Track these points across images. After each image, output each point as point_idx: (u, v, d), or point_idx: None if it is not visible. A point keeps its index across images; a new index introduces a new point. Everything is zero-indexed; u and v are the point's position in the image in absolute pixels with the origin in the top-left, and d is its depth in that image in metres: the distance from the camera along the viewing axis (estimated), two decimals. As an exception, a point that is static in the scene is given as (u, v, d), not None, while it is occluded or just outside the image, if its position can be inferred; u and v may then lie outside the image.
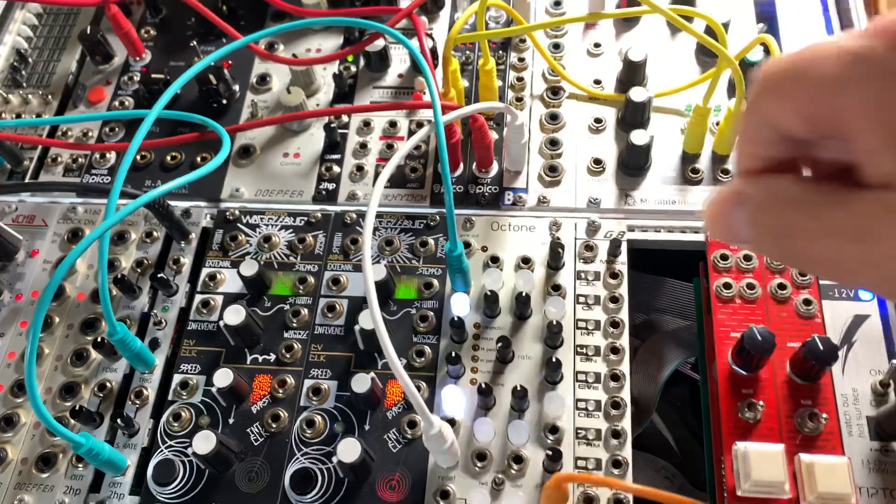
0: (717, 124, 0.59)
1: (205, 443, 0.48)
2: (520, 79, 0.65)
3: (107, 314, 0.49)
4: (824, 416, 0.49)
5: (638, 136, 0.57)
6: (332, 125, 0.63)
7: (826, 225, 0.29)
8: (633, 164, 0.59)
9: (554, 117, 0.63)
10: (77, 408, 0.52)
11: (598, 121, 0.62)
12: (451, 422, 0.51)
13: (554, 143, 0.61)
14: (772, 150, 0.32)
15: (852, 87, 0.28)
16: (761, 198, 0.31)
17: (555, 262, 0.56)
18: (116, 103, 0.68)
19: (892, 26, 0.27)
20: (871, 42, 0.27)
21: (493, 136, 0.61)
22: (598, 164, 0.60)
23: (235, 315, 0.53)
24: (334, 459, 0.48)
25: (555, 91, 0.64)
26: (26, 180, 0.65)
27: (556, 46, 0.66)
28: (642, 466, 0.60)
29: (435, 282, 0.56)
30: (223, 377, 0.51)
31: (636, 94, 0.59)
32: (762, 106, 0.31)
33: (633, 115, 0.60)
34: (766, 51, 0.58)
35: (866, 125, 0.27)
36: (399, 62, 0.68)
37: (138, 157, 0.64)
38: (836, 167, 0.29)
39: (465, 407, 0.51)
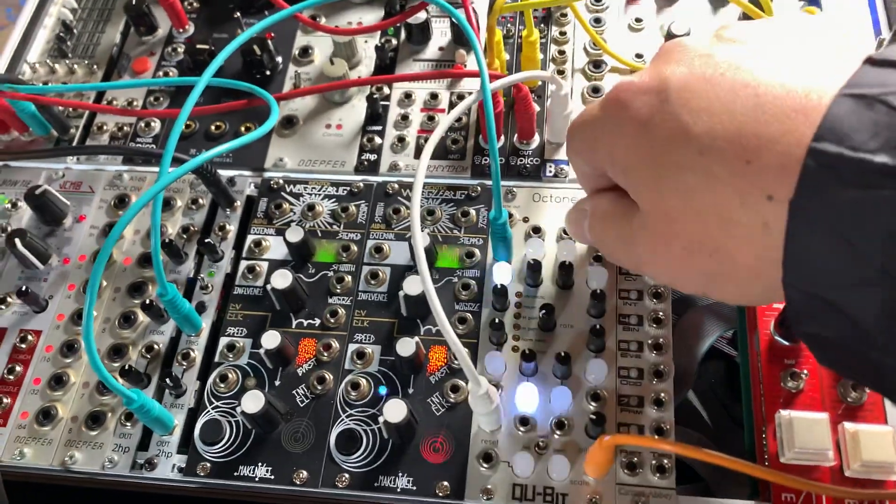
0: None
1: (253, 402, 0.49)
2: (561, 52, 0.65)
3: (158, 274, 0.49)
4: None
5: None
6: (374, 97, 0.63)
7: (617, 237, 0.42)
8: (676, 136, 0.59)
9: (596, 90, 0.63)
10: (126, 367, 0.53)
11: (639, 94, 0.62)
12: (496, 386, 0.51)
13: (595, 116, 0.61)
14: (592, 181, 0.44)
15: (599, 144, 0.40)
16: (590, 213, 0.45)
17: (596, 233, 0.56)
18: (161, 73, 0.69)
19: (611, 96, 0.39)
20: (597, 111, 0.40)
21: (535, 107, 0.62)
22: (639, 137, 0.60)
23: (283, 279, 0.54)
24: (380, 420, 0.48)
25: (597, 64, 0.64)
26: (73, 148, 0.66)
27: (598, 21, 0.66)
28: (678, 438, 0.61)
29: (476, 251, 0.57)
30: (271, 339, 0.52)
31: (679, 67, 0.59)
32: (569, 152, 0.46)
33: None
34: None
35: (613, 169, 0.40)
36: (440, 35, 0.68)
37: (184, 127, 0.65)
38: None
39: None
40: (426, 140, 0.61)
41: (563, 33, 0.66)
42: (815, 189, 0.29)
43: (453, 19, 0.61)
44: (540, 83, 0.64)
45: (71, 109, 0.67)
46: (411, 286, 0.53)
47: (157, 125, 0.66)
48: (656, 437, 0.49)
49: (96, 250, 0.60)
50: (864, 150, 0.27)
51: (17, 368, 0.56)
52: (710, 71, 0.35)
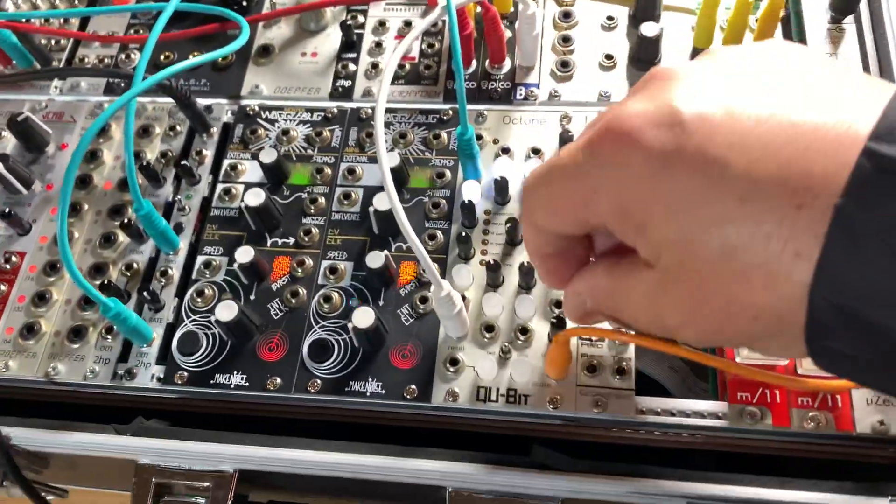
0: (727, 20, 0.60)
1: (227, 311, 0.51)
2: (533, -21, 0.66)
3: (132, 187, 0.51)
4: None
5: (648, 28, 0.58)
6: (349, 24, 0.64)
7: (632, 310, 0.34)
8: (644, 57, 0.59)
9: (567, 15, 0.63)
10: (106, 282, 0.54)
11: (610, 18, 0.63)
12: (462, 298, 0.53)
13: (566, 40, 0.62)
14: (563, 249, 0.37)
15: (599, 195, 0.31)
16: (589, 297, 0.37)
17: (564, 153, 0.57)
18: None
19: (587, 141, 0.31)
20: (584, 154, 0.32)
21: (507, 33, 0.62)
22: (609, 60, 0.61)
23: (255, 197, 0.55)
24: (349, 325, 0.50)
25: (568, -10, 0.65)
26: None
27: (571, -52, 0.67)
28: (648, 359, 0.62)
29: (447, 172, 0.58)
30: (244, 254, 0.54)
31: (647, -11, 0.60)
32: (538, 214, 0.36)
33: (645, 11, 0.61)
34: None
35: (620, 225, 0.32)
36: (416, -39, 0.69)
37: (161, 57, 0.66)
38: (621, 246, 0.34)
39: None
40: (401, 66, 0.62)
41: (535, -40, 0.67)
42: (866, 193, 0.25)
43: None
44: (512, 8, 0.65)
45: (53, 42, 0.68)
46: (380, 202, 0.54)
47: (137, 56, 0.67)
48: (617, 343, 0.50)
49: (79, 175, 0.61)
50: None
51: (2, 287, 0.57)
52: (727, 99, 0.29)
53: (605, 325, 0.41)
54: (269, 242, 0.57)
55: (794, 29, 0.62)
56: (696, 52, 0.61)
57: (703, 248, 0.28)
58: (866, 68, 0.59)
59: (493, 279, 0.53)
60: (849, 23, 0.60)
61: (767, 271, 0.27)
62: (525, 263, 0.51)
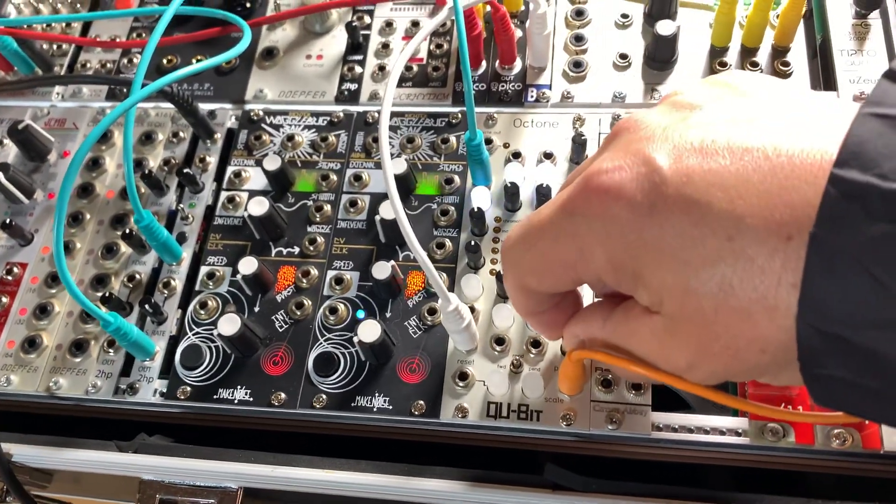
0: (747, 17, 0.57)
1: (230, 325, 0.50)
2: (545, -24, 0.64)
3: (133, 200, 0.50)
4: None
5: (664, 26, 0.55)
6: (355, 25, 0.62)
7: (636, 352, 0.35)
8: (660, 56, 0.57)
9: (579, 13, 0.61)
10: (107, 294, 0.53)
11: (624, 16, 0.61)
12: (471, 309, 0.51)
13: (579, 39, 0.60)
14: (548, 305, 0.38)
15: (590, 251, 0.32)
16: (588, 339, 0.39)
17: (577, 157, 0.55)
18: (143, 11, 0.69)
19: (567, 200, 0.32)
20: (565, 212, 0.33)
21: (517, 33, 0.60)
22: (623, 59, 0.59)
23: (259, 206, 0.54)
24: (354, 340, 0.48)
25: (580, -13, 0.63)
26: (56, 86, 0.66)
27: (583, -56, 0.65)
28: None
29: (456, 178, 0.56)
30: (247, 265, 0.52)
31: (663, -14, 0.58)
32: (522, 280, 0.37)
33: (660, 9, 0.59)
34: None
35: (615, 276, 0.32)
36: (423, -39, 0.67)
37: (164, 61, 0.65)
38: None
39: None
40: (408, 68, 0.61)
41: (546, -43, 0.65)
42: (837, 221, 0.25)
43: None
44: (523, 7, 0.63)
45: (55, 48, 0.67)
46: (387, 211, 0.52)
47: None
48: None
49: (80, 184, 0.60)
50: None
51: (4, 300, 0.56)
52: (695, 140, 0.29)
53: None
54: (273, 252, 0.56)
55: (816, 25, 0.60)
56: (713, 51, 0.58)
57: (700, 288, 0.29)
58: (893, 65, 0.56)
59: (504, 289, 0.51)
60: (875, 17, 0.58)
61: (766, 305, 0.27)
62: (536, 274, 0.49)
